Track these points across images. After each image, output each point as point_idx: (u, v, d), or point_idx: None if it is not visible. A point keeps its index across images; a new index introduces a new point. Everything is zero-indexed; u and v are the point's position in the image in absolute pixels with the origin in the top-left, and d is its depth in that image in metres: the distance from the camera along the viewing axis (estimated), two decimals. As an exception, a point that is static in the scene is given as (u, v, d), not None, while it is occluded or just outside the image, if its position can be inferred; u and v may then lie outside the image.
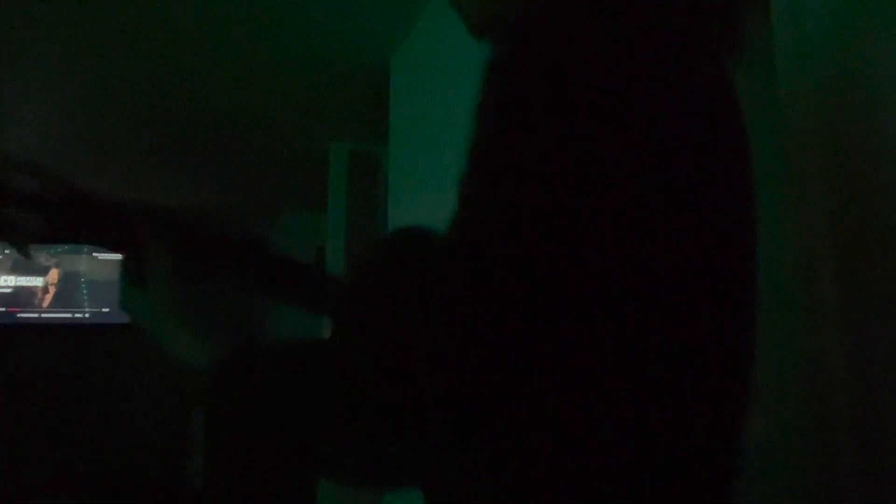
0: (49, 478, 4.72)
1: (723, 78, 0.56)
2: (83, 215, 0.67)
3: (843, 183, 0.86)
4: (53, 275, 5.20)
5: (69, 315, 5.20)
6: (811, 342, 0.88)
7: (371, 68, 2.69)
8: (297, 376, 0.54)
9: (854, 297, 0.83)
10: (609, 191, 0.44)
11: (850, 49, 0.87)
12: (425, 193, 2.18)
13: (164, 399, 5.23)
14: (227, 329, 0.62)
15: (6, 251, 5.06)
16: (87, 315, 5.25)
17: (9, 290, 5.03)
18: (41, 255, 5.18)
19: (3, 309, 4.99)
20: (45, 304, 5.15)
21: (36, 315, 5.11)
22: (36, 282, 5.14)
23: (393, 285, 0.71)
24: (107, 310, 5.30)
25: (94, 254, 5.32)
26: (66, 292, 5.22)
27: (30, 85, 2.88)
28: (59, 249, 5.23)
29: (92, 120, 3.34)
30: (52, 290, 5.18)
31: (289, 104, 3.15)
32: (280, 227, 5.76)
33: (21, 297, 5.07)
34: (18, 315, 5.04)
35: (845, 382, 0.83)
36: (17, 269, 5.08)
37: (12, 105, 3.09)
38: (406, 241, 0.76)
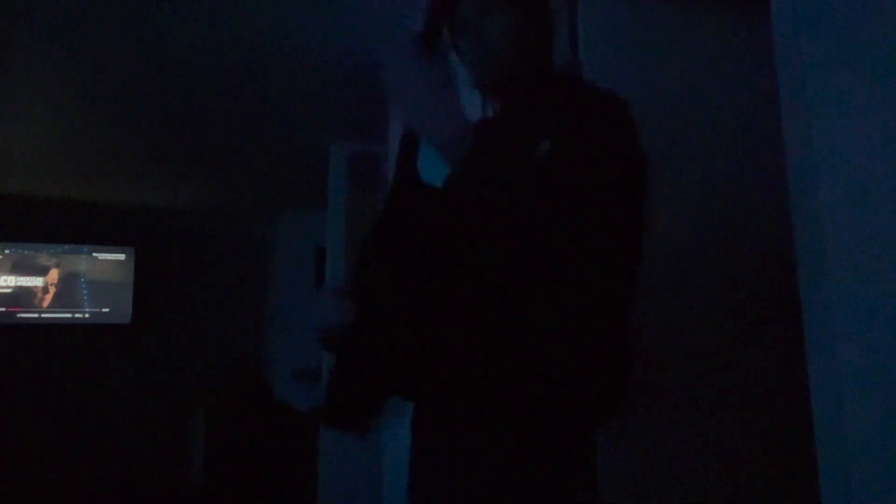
0: (49, 477, 4.72)
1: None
2: None
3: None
4: (53, 275, 5.20)
5: (69, 315, 5.20)
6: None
7: (371, 68, 2.69)
8: None
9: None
10: None
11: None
12: (425, 193, 2.17)
13: (164, 399, 5.23)
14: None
15: (6, 251, 5.06)
16: (87, 315, 5.25)
17: (9, 290, 5.04)
18: (41, 255, 5.18)
19: (3, 309, 4.99)
20: (45, 304, 5.15)
21: (36, 315, 5.11)
22: (36, 282, 5.14)
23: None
24: (107, 310, 5.30)
25: (94, 254, 5.33)
26: (66, 292, 5.22)
27: (31, 84, 2.88)
28: (59, 249, 5.23)
29: (93, 121, 3.34)
30: (52, 290, 5.18)
31: (289, 104, 3.15)
32: (280, 227, 5.76)
33: (21, 297, 5.07)
34: (18, 315, 5.04)
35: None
36: (17, 269, 5.08)
37: (14, 105, 3.09)
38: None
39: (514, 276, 0.81)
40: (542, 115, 0.92)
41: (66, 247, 5.25)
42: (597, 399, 0.85)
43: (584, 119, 0.87)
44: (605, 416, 0.88)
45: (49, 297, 5.17)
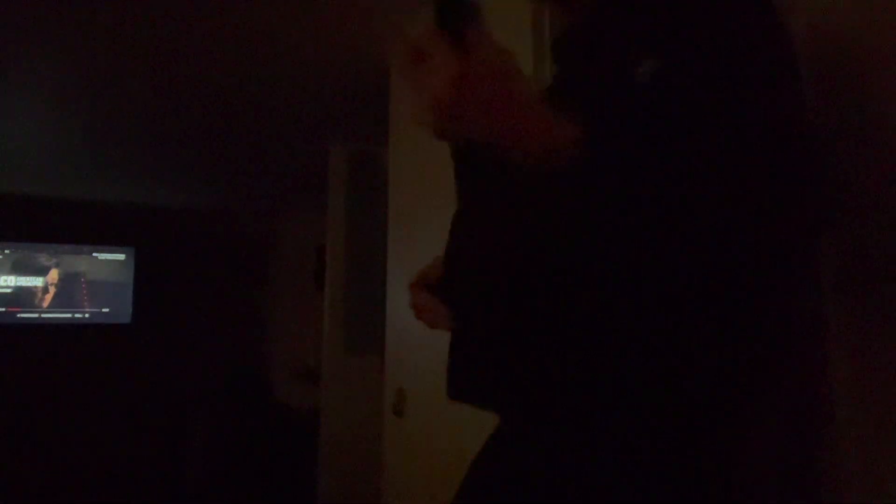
0: (48, 477, 4.72)
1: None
2: None
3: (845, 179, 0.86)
4: (53, 275, 5.20)
5: (69, 315, 5.20)
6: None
7: (371, 68, 2.69)
8: None
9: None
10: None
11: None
12: (425, 193, 2.18)
13: (163, 399, 5.23)
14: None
15: (6, 251, 5.06)
16: (87, 315, 5.25)
17: (9, 290, 5.03)
18: (41, 255, 5.18)
19: (3, 309, 4.99)
20: (45, 304, 5.15)
21: (36, 315, 5.11)
22: (36, 282, 5.14)
23: None
24: (107, 310, 5.30)
25: (95, 254, 5.33)
26: (66, 292, 5.22)
27: (31, 84, 2.88)
28: (59, 249, 5.23)
29: (94, 122, 3.34)
30: (52, 290, 5.18)
31: (289, 104, 3.15)
32: (280, 227, 5.76)
33: (21, 297, 5.07)
34: (18, 315, 5.04)
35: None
36: (17, 269, 5.08)
37: (14, 105, 3.09)
38: None
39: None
40: (640, 20, 0.64)
41: (66, 247, 5.25)
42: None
43: (705, 20, 0.58)
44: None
45: (49, 297, 5.17)
